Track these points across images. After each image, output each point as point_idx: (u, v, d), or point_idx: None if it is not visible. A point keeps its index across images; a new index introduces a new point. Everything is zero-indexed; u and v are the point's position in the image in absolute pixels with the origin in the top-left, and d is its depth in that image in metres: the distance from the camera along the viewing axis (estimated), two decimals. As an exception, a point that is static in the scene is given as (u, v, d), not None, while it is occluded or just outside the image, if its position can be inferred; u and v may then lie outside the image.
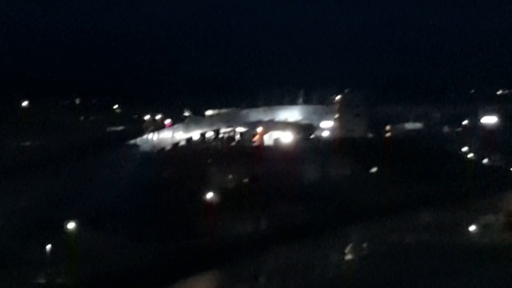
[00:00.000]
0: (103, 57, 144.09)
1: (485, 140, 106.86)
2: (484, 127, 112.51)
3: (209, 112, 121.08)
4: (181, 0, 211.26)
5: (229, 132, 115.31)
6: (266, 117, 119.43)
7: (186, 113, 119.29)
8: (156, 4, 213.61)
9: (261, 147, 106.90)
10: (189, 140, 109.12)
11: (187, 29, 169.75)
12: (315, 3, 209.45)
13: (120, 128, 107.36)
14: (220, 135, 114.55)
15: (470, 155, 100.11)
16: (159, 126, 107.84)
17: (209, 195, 76.26)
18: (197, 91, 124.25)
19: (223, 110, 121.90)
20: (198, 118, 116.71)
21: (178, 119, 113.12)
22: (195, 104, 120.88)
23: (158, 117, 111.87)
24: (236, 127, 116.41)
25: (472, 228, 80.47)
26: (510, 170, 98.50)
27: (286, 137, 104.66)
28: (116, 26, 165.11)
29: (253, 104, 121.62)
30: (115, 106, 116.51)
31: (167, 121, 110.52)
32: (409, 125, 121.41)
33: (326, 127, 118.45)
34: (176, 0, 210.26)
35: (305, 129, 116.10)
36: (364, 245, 75.11)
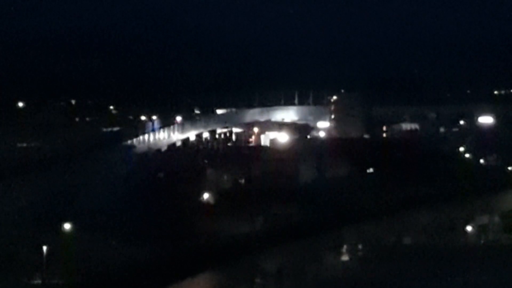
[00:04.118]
0: (101, 57, 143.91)
1: (481, 140, 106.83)
2: (480, 127, 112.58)
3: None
4: (180, 1, 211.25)
5: (225, 132, 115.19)
6: (262, 118, 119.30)
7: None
8: (155, 4, 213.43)
9: (258, 147, 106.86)
10: (185, 140, 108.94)
11: (185, 30, 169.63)
12: (312, 4, 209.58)
13: (116, 129, 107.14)
14: (217, 136, 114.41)
15: (467, 155, 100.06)
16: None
17: (205, 196, 76.22)
18: (195, 91, 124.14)
19: (220, 111, 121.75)
20: (193, 118, 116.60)
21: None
22: (191, 104, 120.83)
23: (154, 117, 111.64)
24: (233, 128, 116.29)
25: (468, 228, 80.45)
26: (507, 170, 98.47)
27: (283, 138, 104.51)
28: (114, 25, 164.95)
29: (250, 104, 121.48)
30: (111, 107, 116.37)
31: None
32: (406, 126, 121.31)
33: (323, 127, 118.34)
34: (175, 0, 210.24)
35: (301, 130, 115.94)
36: (360, 246, 75.10)
